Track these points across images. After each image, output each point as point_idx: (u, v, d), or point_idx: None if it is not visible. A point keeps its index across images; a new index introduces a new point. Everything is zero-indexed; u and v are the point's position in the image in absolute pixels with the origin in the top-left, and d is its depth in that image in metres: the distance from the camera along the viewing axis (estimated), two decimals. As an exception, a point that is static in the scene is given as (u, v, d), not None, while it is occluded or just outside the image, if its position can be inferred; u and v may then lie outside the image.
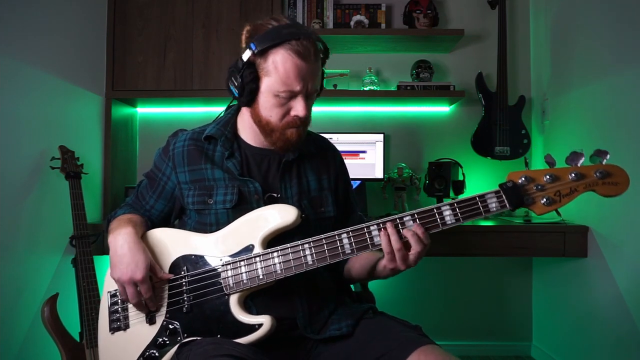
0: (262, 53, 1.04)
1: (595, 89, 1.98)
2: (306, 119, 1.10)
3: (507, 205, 0.97)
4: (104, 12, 2.35)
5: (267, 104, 1.07)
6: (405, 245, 0.99)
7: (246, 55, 1.05)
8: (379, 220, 1.02)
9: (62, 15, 2.06)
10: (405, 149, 2.60)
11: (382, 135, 2.44)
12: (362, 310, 1.13)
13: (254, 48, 1.04)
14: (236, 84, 1.08)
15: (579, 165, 0.96)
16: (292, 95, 1.06)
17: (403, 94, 2.39)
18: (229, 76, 1.10)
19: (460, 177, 2.49)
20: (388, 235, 0.99)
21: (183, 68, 2.37)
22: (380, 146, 2.43)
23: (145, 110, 2.63)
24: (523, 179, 0.98)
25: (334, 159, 1.27)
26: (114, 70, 2.36)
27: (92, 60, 2.29)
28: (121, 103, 2.45)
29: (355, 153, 2.43)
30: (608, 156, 0.95)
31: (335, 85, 2.44)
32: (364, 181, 2.42)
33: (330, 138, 2.38)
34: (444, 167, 2.40)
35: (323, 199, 1.19)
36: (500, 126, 2.41)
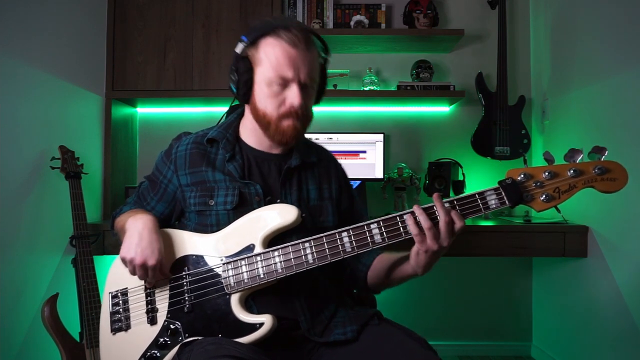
0: (254, 43, 1.07)
1: (595, 89, 1.98)
2: (302, 109, 1.08)
3: (507, 202, 0.97)
4: (104, 12, 2.35)
5: (261, 94, 1.09)
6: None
7: (239, 48, 1.07)
8: (380, 219, 1.02)
9: (62, 15, 2.06)
10: (405, 149, 2.60)
11: (382, 135, 2.44)
12: (368, 315, 1.11)
13: (245, 40, 1.07)
14: (234, 79, 1.10)
15: (577, 161, 0.96)
16: (284, 83, 1.07)
17: (403, 94, 2.39)
18: (229, 75, 1.12)
19: (460, 177, 2.49)
20: (414, 217, 0.98)
21: (183, 68, 2.37)
22: (380, 146, 2.43)
23: (145, 111, 2.63)
24: (522, 176, 0.98)
25: (336, 170, 1.26)
26: (114, 70, 2.36)
27: (92, 60, 2.29)
28: (121, 103, 2.45)
29: (355, 153, 2.43)
30: (606, 152, 0.95)
31: (335, 85, 2.44)
32: (364, 181, 2.42)
33: (330, 138, 2.41)
34: (444, 167, 2.40)
35: (323, 209, 1.18)
36: (500, 126, 2.41)
